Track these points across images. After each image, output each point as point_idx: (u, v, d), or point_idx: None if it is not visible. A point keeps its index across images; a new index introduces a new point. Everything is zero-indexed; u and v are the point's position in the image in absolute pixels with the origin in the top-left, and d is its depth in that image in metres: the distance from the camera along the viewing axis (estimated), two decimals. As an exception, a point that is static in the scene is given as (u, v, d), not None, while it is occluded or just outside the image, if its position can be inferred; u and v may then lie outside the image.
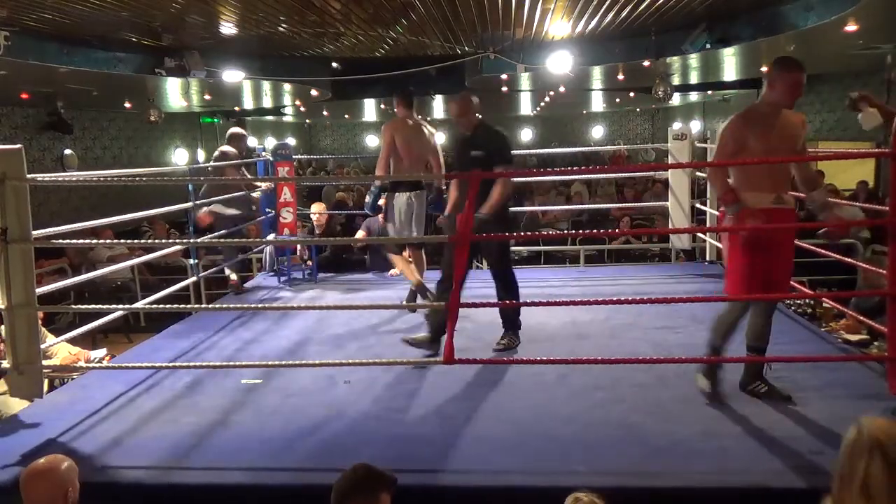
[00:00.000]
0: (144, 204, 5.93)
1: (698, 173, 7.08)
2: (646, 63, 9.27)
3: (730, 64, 10.75)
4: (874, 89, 11.61)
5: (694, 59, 9.87)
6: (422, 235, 5.43)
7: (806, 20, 6.98)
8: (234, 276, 6.15)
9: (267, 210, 6.73)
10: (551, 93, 15.43)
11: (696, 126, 19.82)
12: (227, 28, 7.88)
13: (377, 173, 5.43)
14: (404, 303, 5.39)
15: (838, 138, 12.72)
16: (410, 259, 5.52)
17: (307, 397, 3.72)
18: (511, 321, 4.49)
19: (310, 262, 6.73)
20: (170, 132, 17.44)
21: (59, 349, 4.50)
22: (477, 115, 4.49)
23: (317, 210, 7.61)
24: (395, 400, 3.66)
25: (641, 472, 2.82)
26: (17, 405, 3.74)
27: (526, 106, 20.99)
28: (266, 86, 11.80)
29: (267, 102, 15.97)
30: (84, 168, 12.89)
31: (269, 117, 20.73)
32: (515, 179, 14.48)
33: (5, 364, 3.33)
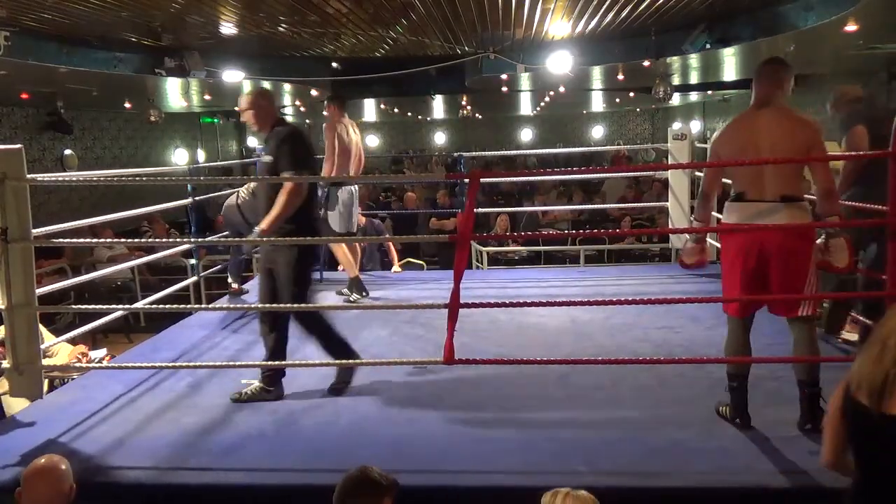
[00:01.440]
0: (144, 204, 5.92)
1: (698, 173, 7.07)
2: (646, 63, 9.26)
3: (730, 64, 10.74)
4: (874, 89, 11.62)
5: (694, 59, 9.86)
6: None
7: (806, 20, 6.98)
8: (235, 285, 6.11)
9: None
10: (551, 93, 15.42)
11: (696, 126, 19.82)
12: (227, 28, 7.88)
13: (326, 170, 5.64)
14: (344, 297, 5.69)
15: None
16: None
17: (307, 397, 3.72)
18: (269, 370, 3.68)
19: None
20: (170, 132, 17.44)
21: (59, 349, 4.50)
22: (273, 113, 3.86)
23: None
24: (395, 400, 3.66)
25: (641, 472, 2.83)
26: (17, 405, 3.74)
27: (526, 106, 20.98)
28: (266, 86, 11.80)
29: (267, 102, 15.92)
30: (84, 168, 12.90)
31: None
32: (515, 179, 14.59)
33: (5, 364, 3.32)
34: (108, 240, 7.84)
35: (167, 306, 4.57)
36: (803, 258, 3.07)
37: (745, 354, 3.21)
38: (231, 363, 4.26)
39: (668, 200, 6.89)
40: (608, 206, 10.71)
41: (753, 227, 3.06)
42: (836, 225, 3.13)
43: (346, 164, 5.68)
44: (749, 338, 3.21)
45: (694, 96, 18.29)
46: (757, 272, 3.09)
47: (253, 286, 6.52)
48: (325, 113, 5.91)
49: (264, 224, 3.61)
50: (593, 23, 8.16)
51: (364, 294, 5.74)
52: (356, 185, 5.85)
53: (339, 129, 5.66)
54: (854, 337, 4.72)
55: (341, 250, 5.80)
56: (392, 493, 2.19)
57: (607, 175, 11.81)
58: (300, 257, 3.69)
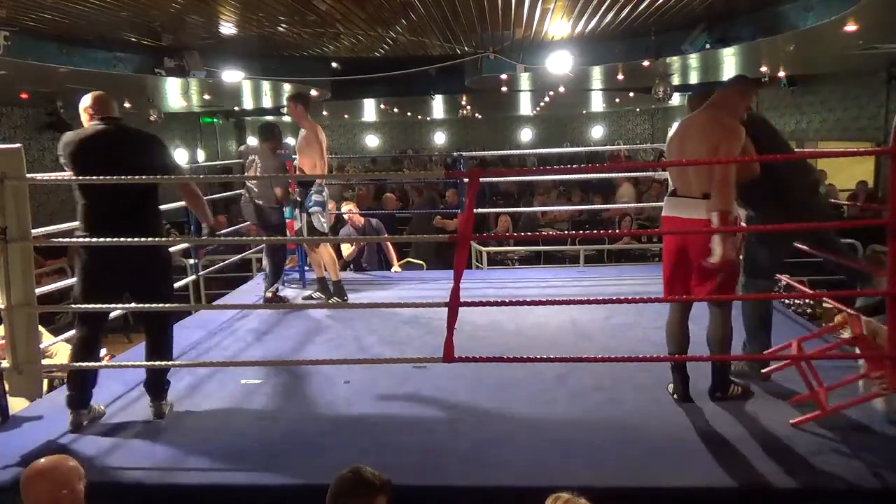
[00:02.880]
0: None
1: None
2: (646, 63, 9.27)
3: (729, 64, 10.76)
4: (874, 89, 11.64)
5: (694, 59, 9.87)
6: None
7: (806, 20, 6.99)
8: (269, 293, 5.76)
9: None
10: (551, 93, 15.44)
11: (695, 126, 19.79)
12: (227, 28, 7.88)
13: (320, 170, 5.57)
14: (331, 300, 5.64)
15: (838, 138, 12.74)
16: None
17: (307, 397, 3.72)
18: (156, 387, 3.51)
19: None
20: (170, 132, 17.43)
21: (58, 349, 4.50)
22: (91, 116, 3.44)
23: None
24: (395, 399, 3.66)
25: (641, 472, 2.82)
26: (17, 405, 3.73)
27: (526, 106, 21.00)
28: (266, 86, 11.80)
29: (267, 102, 15.97)
30: (84, 168, 12.87)
31: (269, 117, 20.79)
32: (515, 179, 14.55)
33: (5, 364, 3.32)
34: (108, 240, 7.84)
35: (167, 306, 4.55)
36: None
37: (681, 335, 3.54)
38: (230, 363, 4.26)
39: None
40: (608, 206, 10.70)
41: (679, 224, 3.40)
42: (743, 229, 3.50)
43: (324, 165, 5.65)
44: (686, 320, 3.56)
45: (694, 96, 18.25)
46: (680, 261, 3.45)
47: (252, 285, 6.53)
48: (290, 113, 5.65)
49: None
50: (593, 23, 8.17)
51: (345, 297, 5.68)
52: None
53: (318, 130, 5.56)
54: (846, 334, 4.72)
55: (327, 251, 5.73)
56: (386, 492, 2.18)
57: (610, 176, 11.78)
58: (82, 267, 3.44)
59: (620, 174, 11.58)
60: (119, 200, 3.37)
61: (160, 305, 3.39)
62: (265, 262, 5.95)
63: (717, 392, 3.48)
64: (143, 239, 3.33)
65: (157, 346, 3.55)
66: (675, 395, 3.51)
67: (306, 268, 6.61)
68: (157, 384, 3.51)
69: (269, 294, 5.71)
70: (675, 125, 3.61)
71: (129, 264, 3.42)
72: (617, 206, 10.84)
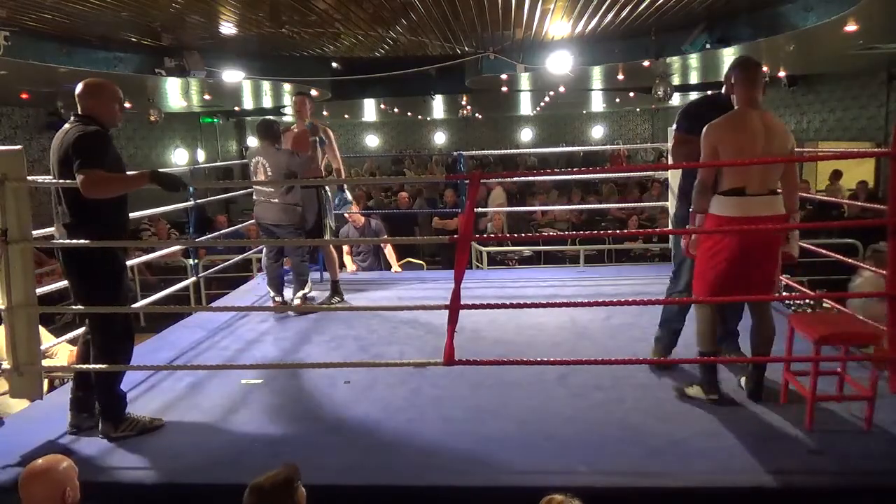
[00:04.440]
0: (144, 205, 5.91)
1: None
2: (646, 63, 9.28)
3: (729, 64, 10.77)
4: (874, 89, 11.64)
5: (694, 59, 9.88)
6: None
7: (806, 20, 7.00)
8: (278, 298, 5.44)
9: None
10: (551, 93, 15.45)
11: (695, 126, 19.79)
12: (227, 28, 7.89)
13: (343, 171, 5.59)
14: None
15: (838, 138, 12.74)
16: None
17: (307, 397, 3.72)
18: (105, 406, 3.28)
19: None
20: (170, 132, 17.45)
21: (59, 350, 4.50)
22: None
23: None
24: (395, 400, 3.66)
25: (641, 472, 2.82)
26: (17, 405, 3.73)
27: (526, 106, 21.01)
28: (266, 86, 11.82)
29: (267, 102, 15.99)
30: (84, 168, 12.88)
31: (269, 117, 20.83)
32: (515, 179, 14.57)
33: (5, 365, 3.32)
34: (108, 241, 7.83)
35: (167, 306, 4.56)
36: (778, 247, 3.38)
37: (715, 334, 3.53)
38: (230, 364, 4.26)
39: (667, 200, 6.88)
40: (609, 206, 10.71)
41: (751, 224, 3.26)
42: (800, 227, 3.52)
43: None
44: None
45: (694, 96, 18.30)
46: (750, 260, 3.31)
47: (252, 285, 6.53)
48: (300, 109, 5.53)
49: None
50: (593, 23, 8.17)
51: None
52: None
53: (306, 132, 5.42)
54: None
55: (327, 249, 5.71)
56: (295, 478, 2.18)
57: (607, 175, 11.81)
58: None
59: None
60: (55, 206, 3.30)
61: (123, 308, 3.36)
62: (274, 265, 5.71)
63: (754, 391, 3.46)
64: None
65: (93, 353, 3.29)
66: (713, 397, 3.42)
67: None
68: (101, 403, 3.27)
69: (297, 301, 5.36)
70: (733, 121, 3.33)
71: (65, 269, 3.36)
72: (619, 205, 10.83)
